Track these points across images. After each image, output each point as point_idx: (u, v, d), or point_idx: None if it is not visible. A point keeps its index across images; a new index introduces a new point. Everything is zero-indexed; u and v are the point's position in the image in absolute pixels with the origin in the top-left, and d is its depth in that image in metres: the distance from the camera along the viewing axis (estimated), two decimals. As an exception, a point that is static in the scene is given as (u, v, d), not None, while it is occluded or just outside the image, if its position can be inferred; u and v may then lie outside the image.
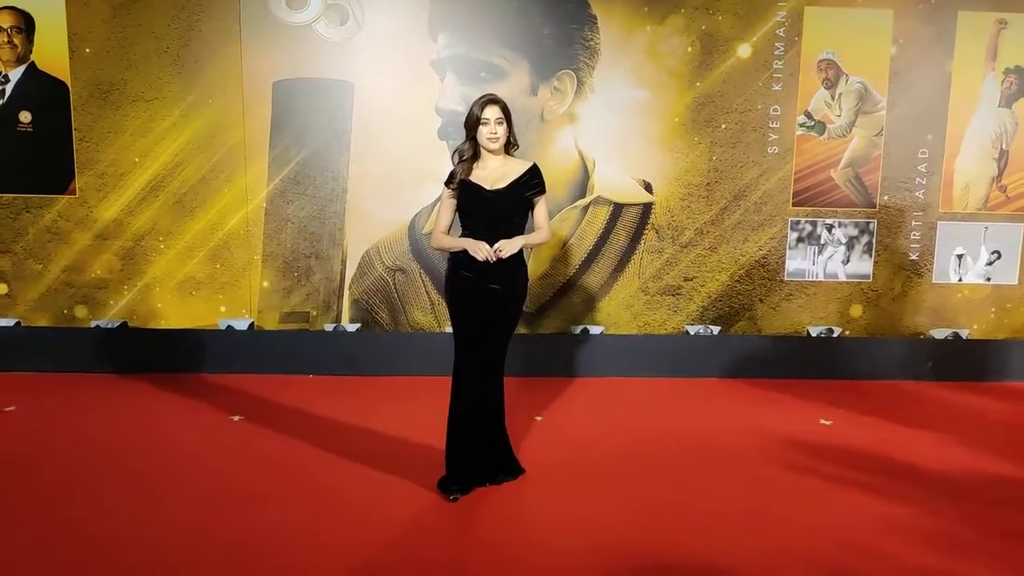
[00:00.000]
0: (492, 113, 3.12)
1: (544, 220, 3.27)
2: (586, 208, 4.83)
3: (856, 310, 4.99)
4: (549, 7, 4.64)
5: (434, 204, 4.77)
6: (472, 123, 3.15)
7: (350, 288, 4.89)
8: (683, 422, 4.18)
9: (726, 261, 4.92)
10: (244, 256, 4.83)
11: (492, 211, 3.17)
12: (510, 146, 3.24)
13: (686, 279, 4.93)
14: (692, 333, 4.97)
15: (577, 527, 2.99)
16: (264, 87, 4.67)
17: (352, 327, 4.91)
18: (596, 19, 4.67)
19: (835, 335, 5.00)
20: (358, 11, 4.64)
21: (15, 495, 3.18)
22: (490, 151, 3.17)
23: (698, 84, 4.75)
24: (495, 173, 3.18)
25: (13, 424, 4.01)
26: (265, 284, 4.85)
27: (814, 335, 4.99)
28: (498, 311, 3.17)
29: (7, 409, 4.19)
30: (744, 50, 4.73)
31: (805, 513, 3.14)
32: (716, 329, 4.98)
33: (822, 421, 4.23)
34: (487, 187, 3.16)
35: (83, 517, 3.00)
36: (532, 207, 3.25)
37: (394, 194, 4.79)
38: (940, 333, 5.02)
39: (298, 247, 4.84)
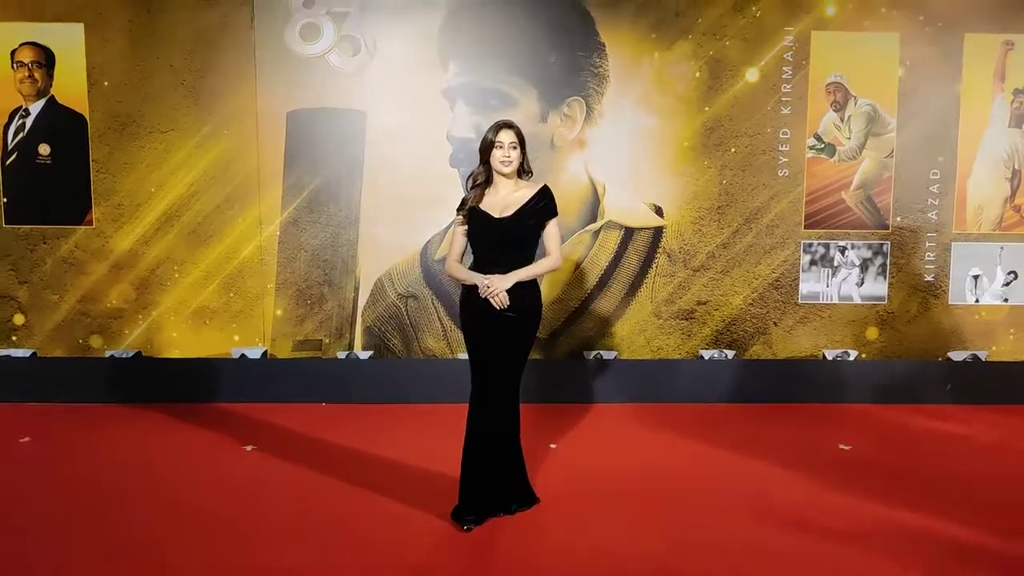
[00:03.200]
0: (506, 137, 3.14)
1: (554, 245, 3.22)
2: (597, 232, 4.84)
3: (872, 332, 4.94)
4: (557, 35, 4.71)
5: (446, 231, 4.80)
6: (486, 147, 3.17)
7: (363, 315, 4.90)
8: (699, 449, 4.12)
9: (739, 284, 4.90)
10: (258, 284, 4.86)
11: (501, 238, 3.16)
12: (523, 172, 3.25)
13: (699, 303, 4.91)
14: (707, 357, 4.93)
15: (592, 558, 2.93)
16: (278, 117, 4.74)
17: (365, 354, 4.91)
18: (604, 46, 4.73)
19: (851, 358, 4.95)
20: (370, 42, 4.73)
21: (27, 526, 3.17)
22: (503, 175, 3.18)
23: (707, 108, 4.78)
24: (505, 200, 3.18)
25: (27, 455, 4.01)
26: (278, 312, 4.87)
27: (830, 358, 4.94)
28: (510, 337, 3.15)
29: (22, 440, 4.19)
30: (752, 74, 4.77)
31: (826, 538, 3.07)
32: (731, 353, 4.94)
33: (841, 446, 4.16)
34: (495, 215, 3.16)
35: (96, 549, 2.98)
36: (541, 230, 3.22)
37: (406, 221, 4.82)
38: (958, 355, 4.96)
39: (311, 275, 4.86)
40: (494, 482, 3.22)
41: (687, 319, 4.93)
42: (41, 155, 4.78)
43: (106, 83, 4.72)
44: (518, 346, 3.18)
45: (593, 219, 4.83)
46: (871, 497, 3.46)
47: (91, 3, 4.66)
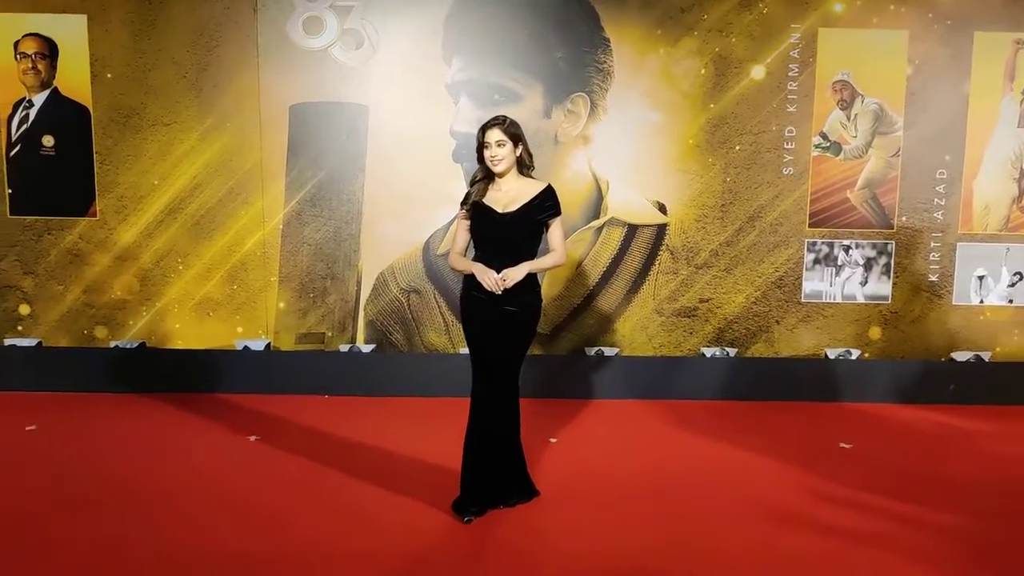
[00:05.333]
0: (492, 136, 3.15)
1: (558, 242, 3.25)
2: (600, 229, 4.83)
3: (875, 332, 4.93)
4: (562, 30, 4.67)
5: (448, 225, 4.80)
6: (478, 148, 3.21)
7: (365, 309, 4.91)
8: (699, 445, 4.14)
9: (742, 282, 4.89)
10: (261, 277, 4.87)
11: (503, 233, 3.18)
12: (524, 167, 3.25)
13: (701, 300, 4.90)
14: (708, 355, 4.93)
15: (591, 552, 2.96)
16: (281, 111, 4.73)
17: (367, 348, 4.93)
18: (609, 42, 4.69)
19: (854, 357, 4.94)
20: (373, 36, 4.70)
21: (35, 514, 3.21)
22: (497, 174, 3.19)
23: (712, 106, 4.75)
24: (508, 195, 3.20)
25: (34, 443, 4.05)
26: (281, 305, 4.89)
27: (832, 357, 4.93)
28: (509, 332, 3.17)
29: (28, 428, 4.24)
30: (758, 72, 4.72)
31: (826, 536, 3.08)
32: (732, 351, 4.94)
33: (841, 444, 4.17)
34: (499, 209, 3.18)
35: (101, 537, 3.02)
36: (545, 229, 3.24)
37: (409, 216, 4.82)
38: (962, 356, 4.94)
39: (314, 268, 4.87)
40: (494, 475, 3.25)
41: (689, 317, 4.92)
42: (45, 146, 4.79)
43: (109, 75, 4.72)
44: (518, 341, 3.20)
45: (596, 216, 4.81)
46: (871, 495, 3.48)
47: (94, -6, 4.65)
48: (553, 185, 3.28)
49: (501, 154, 3.14)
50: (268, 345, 4.91)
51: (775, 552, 2.99)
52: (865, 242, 4.87)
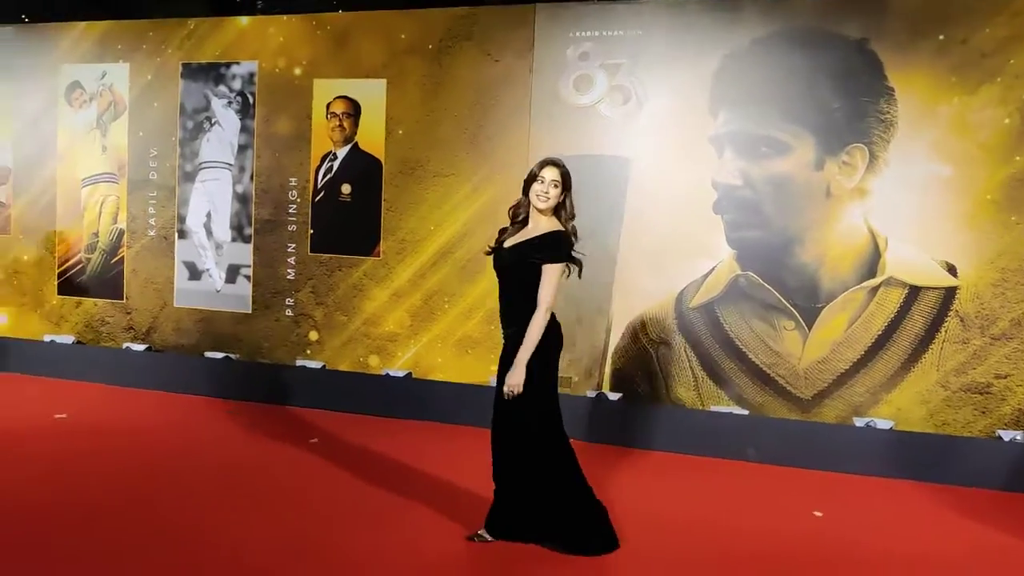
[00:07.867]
0: (549, 174, 3.11)
1: (542, 295, 3.04)
2: (875, 290, 4.46)
3: None
4: (840, 80, 4.45)
5: (704, 278, 4.72)
6: (528, 179, 3.16)
7: (613, 357, 4.94)
8: (988, 538, 3.59)
9: (1050, 359, 4.24)
10: (517, 320, 5.10)
11: (500, 269, 3.19)
12: (561, 212, 3.14)
13: (998, 376, 4.31)
14: (1006, 439, 4.30)
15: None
16: (547, 163, 4.98)
17: (614, 396, 4.94)
18: (893, 91, 4.38)
19: None
20: (640, 91, 4.81)
21: (312, 512, 3.57)
22: (538, 210, 3.13)
23: (1017, 158, 4.23)
24: (527, 233, 3.16)
25: (313, 454, 4.54)
26: (534, 348, 5.06)
27: None
28: (501, 397, 3.15)
29: (311, 440, 4.76)
30: (1079, 119, 4.15)
31: None
32: (1035, 437, 4.27)
33: None
34: (507, 244, 3.16)
35: (342, 542, 3.26)
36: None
37: (663, 267, 4.80)
38: None
39: (565, 314, 4.97)
40: (514, 505, 3.24)
41: (982, 393, 4.34)
42: (343, 194, 5.46)
43: (400, 131, 5.28)
44: (508, 411, 3.16)
45: (871, 275, 4.45)
46: None
47: (394, 61, 5.26)
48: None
49: (552, 194, 3.10)
50: (519, 385, 5.10)
51: None
52: None
